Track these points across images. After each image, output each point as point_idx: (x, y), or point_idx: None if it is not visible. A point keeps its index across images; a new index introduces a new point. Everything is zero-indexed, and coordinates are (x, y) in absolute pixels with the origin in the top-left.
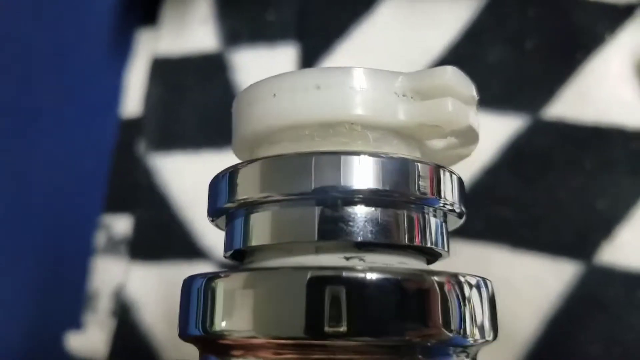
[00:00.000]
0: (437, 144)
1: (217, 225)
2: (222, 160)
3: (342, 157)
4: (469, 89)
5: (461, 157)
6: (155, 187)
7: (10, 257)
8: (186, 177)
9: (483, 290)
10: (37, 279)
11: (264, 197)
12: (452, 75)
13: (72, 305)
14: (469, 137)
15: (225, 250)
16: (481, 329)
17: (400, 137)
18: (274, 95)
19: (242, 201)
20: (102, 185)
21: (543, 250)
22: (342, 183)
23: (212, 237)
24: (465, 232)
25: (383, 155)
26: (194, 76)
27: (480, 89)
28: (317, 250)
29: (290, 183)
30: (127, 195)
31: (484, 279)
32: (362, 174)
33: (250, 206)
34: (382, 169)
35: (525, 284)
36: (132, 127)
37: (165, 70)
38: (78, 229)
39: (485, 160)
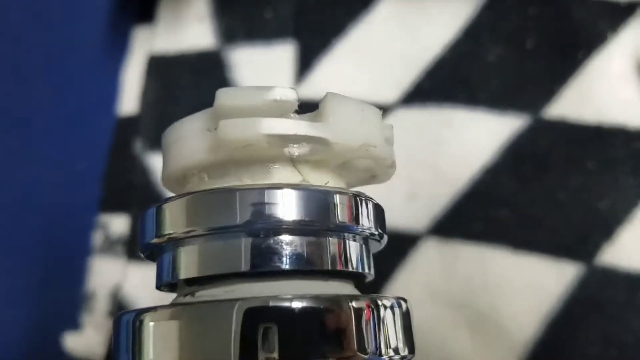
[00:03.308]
0: (295, 151)
1: (148, 259)
2: None
3: (266, 191)
4: (259, 97)
5: (381, 171)
6: (152, 186)
7: (7, 257)
8: None
9: (397, 310)
10: (34, 280)
11: (190, 232)
12: (223, 96)
13: (69, 305)
14: (312, 141)
15: (157, 283)
16: (396, 348)
17: (313, 165)
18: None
19: (168, 236)
20: (98, 185)
21: (544, 251)
22: (267, 215)
23: None
24: (464, 234)
25: (304, 188)
26: (191, 74)
27: (480, 88)
28: (247, 281)
29: (217, 217)
30: (124, 195)
31: (398, 300)
32: (285, 206)
33: (178, 240)
34: (303, 200)
35: (526, 286)
36: (129, 125)
37: (161, 68)
38: (75, 229)
39: (486, 161)
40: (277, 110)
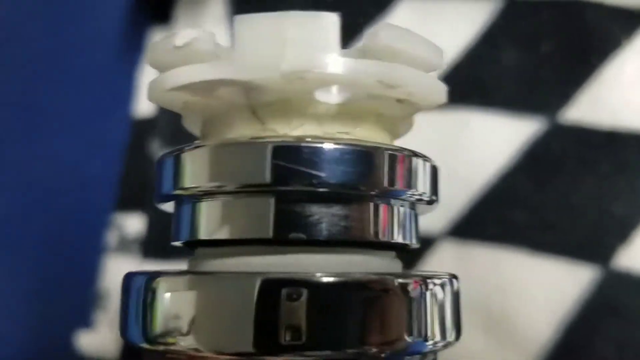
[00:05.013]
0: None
1: (165, 210)
2: None
3: (302, 147)
4: (166, 48)
5: (396, 94)
6: None
7: (22, 256)
8: None
9: (448, 289)
10: (48, 278)
11: (215, 187)
12: (149, 53)
13: (82, 304)
14: (225, 84)
15: (173, 239)
16: (443, 331)
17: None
18: None
19: (192, 190)
20: (114, 185)
21: (560, 254)
22: (300, 174)
23: None
24: (480, 236)
25: (347, 143)
26: None
27: (495, 92)
28: (274, 250)
29: (244, 173)
30: (139, 194)
31: (451, 277)
32: (323, 164)
33: (199, 195)
34: (347, 158)
35: (542, 289)
36: (145, 126)
37: None
38: (90, 228)
39: (501, 164)
40: (194, 56)
